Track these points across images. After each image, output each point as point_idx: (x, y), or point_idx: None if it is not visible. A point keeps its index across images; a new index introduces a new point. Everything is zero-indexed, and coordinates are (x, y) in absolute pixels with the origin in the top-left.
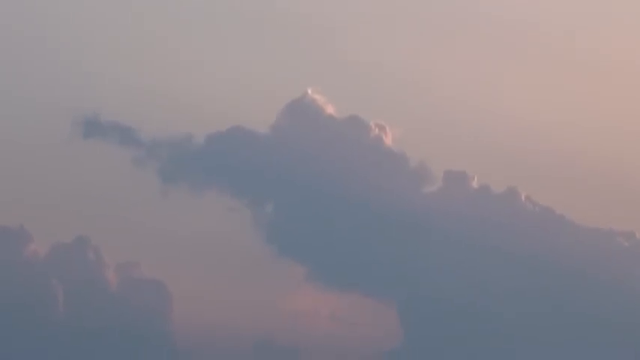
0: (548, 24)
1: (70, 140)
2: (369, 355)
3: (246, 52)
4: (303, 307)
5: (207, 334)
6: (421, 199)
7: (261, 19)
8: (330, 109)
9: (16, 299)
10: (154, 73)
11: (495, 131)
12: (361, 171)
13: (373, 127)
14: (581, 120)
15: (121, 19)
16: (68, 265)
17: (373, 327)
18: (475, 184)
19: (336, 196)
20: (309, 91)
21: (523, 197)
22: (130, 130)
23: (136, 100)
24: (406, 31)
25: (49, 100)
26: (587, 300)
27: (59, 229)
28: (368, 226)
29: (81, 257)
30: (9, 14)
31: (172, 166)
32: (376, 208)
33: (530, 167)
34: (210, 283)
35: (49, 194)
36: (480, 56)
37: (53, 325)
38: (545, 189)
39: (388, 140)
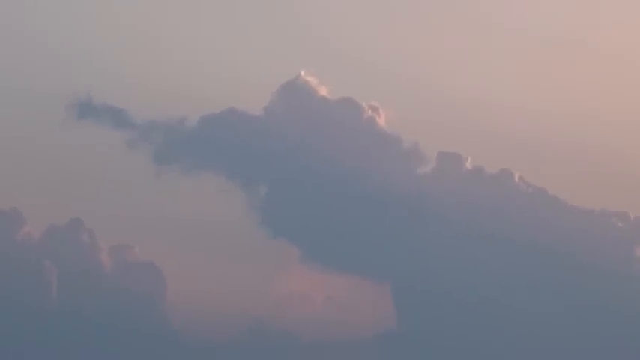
0: (541, 8)
1: (64, 123)
2: (363, 338)
3: (239, 34)
4: (297, 289)
5: (201, 317)
6: (415, 180)
7: (254, 1)
8: (323, 91)
9: (10, 281)
10: (147, 55)
11: (489, 113)
12: (355, 152)
13: (366, 109)
14: (574, 101)
15: (115, 2)
16: (62, 248)
17: (367, 309)
18: (469, 165)
19: (330, 177)
20: (302, 73)
21: (517, 178)
22: (124, 113)
23: (130, 82)
24: (399, 13)
25: (42, 82)
26: (580, 281)
27: (53, 212)
28: (362, 208)
29: (75, 240)
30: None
31: (166, 149)
32: (370, 190)
33: (523, 149)
34: (204, 265)
35: (42, 177)
36: (474, 39)
37: (47, 308)
38: (538, 170)
39: (381, 122)
